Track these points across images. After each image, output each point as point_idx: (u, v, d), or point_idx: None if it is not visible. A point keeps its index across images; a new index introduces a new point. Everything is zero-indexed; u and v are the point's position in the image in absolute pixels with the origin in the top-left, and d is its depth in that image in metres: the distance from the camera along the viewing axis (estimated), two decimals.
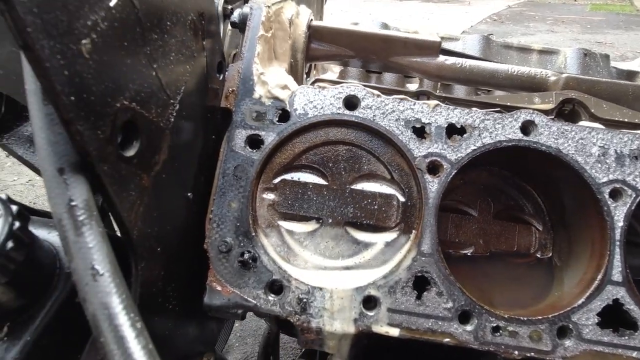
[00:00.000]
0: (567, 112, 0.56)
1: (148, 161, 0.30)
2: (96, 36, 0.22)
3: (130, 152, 0.28)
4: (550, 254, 0.51)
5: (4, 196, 0.26)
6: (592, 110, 0.54)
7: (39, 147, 0.23)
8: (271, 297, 0.40)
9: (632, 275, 0.42)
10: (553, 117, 0.55)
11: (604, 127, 0.47)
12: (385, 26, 0.82)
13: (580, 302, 0.41)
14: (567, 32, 5.08)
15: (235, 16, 0.53)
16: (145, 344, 0.20)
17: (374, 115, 0.44)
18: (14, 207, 0.25)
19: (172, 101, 0.33)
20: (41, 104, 0.22)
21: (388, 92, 0.53)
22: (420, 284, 0.41)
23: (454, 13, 6.44)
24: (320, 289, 0.40)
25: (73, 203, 0.22)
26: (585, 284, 0.43)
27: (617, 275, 0.41)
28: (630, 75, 0.77)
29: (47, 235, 0.31)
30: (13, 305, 0.27)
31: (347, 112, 0.44)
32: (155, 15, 0.28)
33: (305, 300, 0.40)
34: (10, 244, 0.24)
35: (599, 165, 0.43)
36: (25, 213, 0.26)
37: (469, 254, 0.50)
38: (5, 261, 0.24)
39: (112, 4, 0.23)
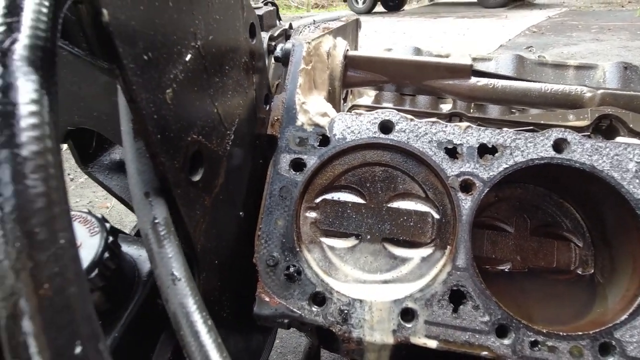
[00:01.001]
0: (604, 128, 0.57)
1: (210, 185, 0.35)
2: (176, 86, 0.27)
3: (197, 177, 0.33)
4: (592, 271, 0.50)
5: (99, 215, 0.32)
6: (631, 126, 0.54)
7: (130, 175, 0.28)
8: (314, 308, 0.44)
9: None
10: (589, 133, 0.56)
11: None
12: (417, 51, 0.86)
13: (623, 318, 0.41)
14: (614, 40, 4.84)
15: (278, 52, 0.59)
16: (215, 338, 0.24)
17: (407, 138, 0.47)
18: (107, 225, 0.31)
19: (228, 132, 0.38)
20: (132, 141, 0.28)
21: (421, 115, 0.56)
22: (457, 297, 0.43)
23: (491, 27, 6.34)
24: (361, 301, 0.43)
25: (156, 220, 0.27)
26: (628, 300, 0.43)
27: None
28: None
29: (127, 248, 0.36)
30: (103, 308, 0.32)
31: (382, 135, 0.48)
32: (217, 63, 0.33)
33: (346, 311, 0.43)
34: (106, 254, 0.29)
35: (637, 180, 0.43)
36: (115, 229, 0.32)
37: (506, 270, 0.51)
38: (103, 269, 0.29)
39: (187, 58, 0.28)
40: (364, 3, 10.57)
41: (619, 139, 0.51)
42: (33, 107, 0.18)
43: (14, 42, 0.19)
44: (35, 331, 0.15)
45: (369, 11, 10.40)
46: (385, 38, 5.96)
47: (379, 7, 10.83)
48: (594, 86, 0.65)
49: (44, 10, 0.20)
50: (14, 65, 0.18)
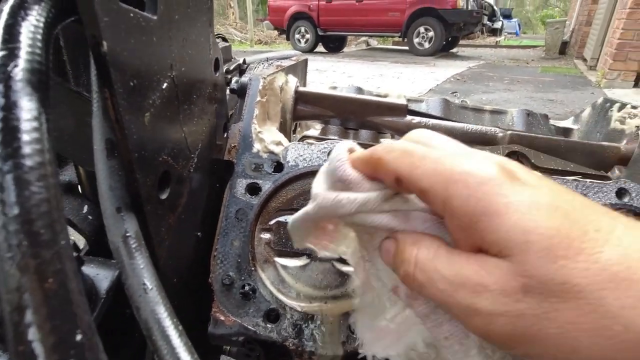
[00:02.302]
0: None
1: (174, 204, 0.37)
2: (153, 110, 0.30)
3: (164, 196, 0.35)
4: None
5: None
6: (532, 161, 0.65)
7: (102, 192, 0.30)
8: (269, 325, 0.46)
9: None
10: None
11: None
12: (359, 90, 0.95)
13: None
14: (522, 91, 5.58)
15: (234, 84, 0.63)
16: (186, 341, 0.26)
17: None
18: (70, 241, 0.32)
19: (192, 155, 0.41)
20: (106, 160, 0.30)
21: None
22: None
23: (421, 73, 6.98)
24: (312, 316, 0.46)
25: (128, 234, 0.29)
26: None
27: None
28: (566, 131, 0.91)
29: (83, 267, 0.36)
30: None
31: None
32: (187, 92, 0.37)
33: (299, 326, 0.46)
34: None
35: None
36: (77, 245, 0.32)
37: None
38: None
39: (164, 86, 0.31)
40: (306, 42, 11.08)
41: None
42: (35, 123, 0.20)
43: (16, 65, 0.21)
44: (40, 320, 0.17)
45: (310, 50, 10.90)
46: (327, 77, 6.28)
47: (321, 48, 11.41)
48: (505, 127, 0.77)
49: (39, 36, 0.23)
50: (17, 86, 0.21)
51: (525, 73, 7.32)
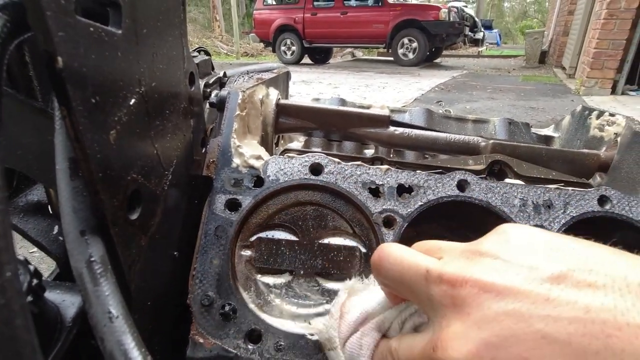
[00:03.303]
0: (496, 171, 0.68)
1: (146, 224, 0.36)
2: (119, 127, 0.29)
3: (134, 216, 0.33)
4: None
5: (22, 257, 0.30)
6: (515, 169, 0.65)
7: (64, 214, 0.28)
8: (250, 346, 0.44)
9: None
10: (485, 175, 0.66)
11: (523, 183, 0.57)
12: (343, 102, 0.95)
13: None
14: (505, 99, 5.70)
15: (213, 98, 0.62)
16: None
17: (336, 179, 0.52)
18: (31, 267, 0.30)
19: (166, 172, 0.39)
20: (69, 180, 0.28)
21: (347, 158, 0.62)
22: None
23: (406, 83, 7.08)
24: (296, 334, 0.45)
25: (92, 259, 0.27)
26: None
27: None
28: (547, 139, 0.92)
29: (48, 294, 0.34)
30: None
31: (313, 177, 0.52)
32: (159, 107, 0.35)
33: (282, 346, 0.44)
34: (29, 298, 0.28)
35: (521, 213, 0.52)
36: (38, 271, 0.30)
37: None
38: None
39: (131, 102, 0.30)
40: (292, 54, 11.17)
41: (507, 180, 0.61)
42: None
43: None
44: None
45: (297, 62, 10.99)
46: (313, 88, 6.31)
47: (307, 59, 11.51)
48: (488, 137, 0.77)
49: None
50: None
51: (507, 82, 7.48)
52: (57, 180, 0.29)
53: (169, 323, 0.45)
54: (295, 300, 0.48)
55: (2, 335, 0.16)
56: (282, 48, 10.99)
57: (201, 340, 0.44)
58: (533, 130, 0.94)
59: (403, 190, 0.53)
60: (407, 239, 0.63)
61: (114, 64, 0.27)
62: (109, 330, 0.25)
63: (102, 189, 0.27)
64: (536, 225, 0.52)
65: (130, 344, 0.25)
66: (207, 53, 0.91)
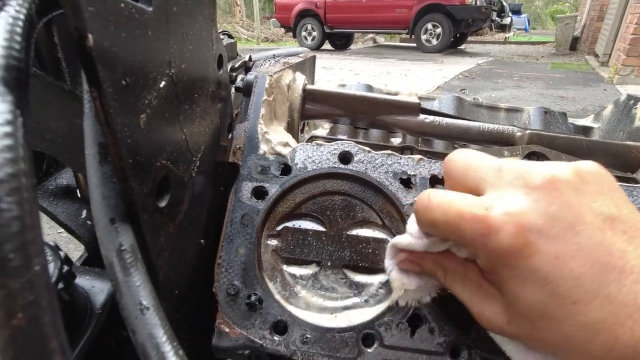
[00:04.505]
0: None
1: (174, 211, 0.35)
2: (149, 111, 0.27)
3: (163, 203, 0.32)
4: None
5: (52, 243, 0.30)
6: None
7: (94, 201, 0.27)
8: (276, 337, 0.43)
9: None
10: None
11: None
12: (369, 88, 0.92)
13: None
14: (532, 88, 5.49)
15: (240, 82, 0.60)
16: None
17: (365, 169, 0.50)
18: (62, 253, 0.29)
19: (194, 159, 0.38)
20: (98, 166, 0.27)
21: (375, 147, 0.60)
22: (415, 321, 0.44)
23: (429, 70, 6.90)
24: (323, 327, 0.43)
25: (123, 248, 0.26)
26: None
27: None
28: (585, 130, 0.87)
29: (78, 279, 0.34)
30: None
31: (342, 166, 0.50)
32: (188, 91, 0.34)
33: (308, 338, 0.43)
34: (60, 285, 0.27)
35: None
36: (69, 258, 0.30)
37: None
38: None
39: (161, 85, 0.29)
40: (312, 40, 11.04)
41: None
42: (7, 129, 0.18)
43: None
44: None
45: (317, 48, 10.87)
46: (334, 74, 6.24)
47: (327, 45, 11.36)
48: (522, 126, 0.73)
49: (18, 30, 0.20)
50: None
51: (535, 69, 7.20)
52: (86, 166, 0.28)
53: (196, 312, 0.44)
54: (322, 293, 0.47)
55: (28, 334, 0.15)
56: (303, 33, 10.87)
57: (227, 330, 0.43)
58: (570, 120, 0.89)
59: (436, 181, 0.50)
60: None
61: (144, 44, 0.26)
62: (141, 322, 0.24)
63: (132, 175, 0.26)
64: None
65: (162, 337, 0.24)
66: (230, 36, 0.90)
